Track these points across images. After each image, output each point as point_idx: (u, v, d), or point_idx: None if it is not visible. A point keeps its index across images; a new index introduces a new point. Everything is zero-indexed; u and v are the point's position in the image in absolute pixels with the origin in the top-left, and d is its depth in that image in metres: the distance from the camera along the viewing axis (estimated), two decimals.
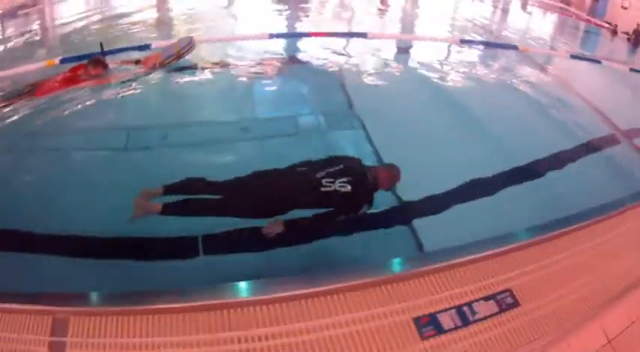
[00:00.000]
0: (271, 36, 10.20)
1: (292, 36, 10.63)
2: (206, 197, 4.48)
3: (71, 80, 6.71)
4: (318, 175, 4.49)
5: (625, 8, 21.00)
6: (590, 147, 7.42)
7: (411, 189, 5.18)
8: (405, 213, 5.13)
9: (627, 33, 19.65)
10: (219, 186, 4.57)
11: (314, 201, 4.47)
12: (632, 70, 13.68)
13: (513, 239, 4.04)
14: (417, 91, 8.68)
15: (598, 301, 3.69)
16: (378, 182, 4.68)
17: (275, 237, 4.38)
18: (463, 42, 12.51)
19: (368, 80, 8.91)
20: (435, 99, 8.38)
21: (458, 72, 10.28)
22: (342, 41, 11.07)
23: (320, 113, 7.08)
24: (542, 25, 19.83)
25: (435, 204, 5.30)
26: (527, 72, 11.23)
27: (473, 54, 12.34)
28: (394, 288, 3.39)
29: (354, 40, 11.12)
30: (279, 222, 4.39)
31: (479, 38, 13.83)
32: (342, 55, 10.06)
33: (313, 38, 11.05)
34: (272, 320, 3.04)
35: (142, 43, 8.70)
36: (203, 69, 8.10)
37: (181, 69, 7.85)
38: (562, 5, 23.02)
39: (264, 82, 8.21)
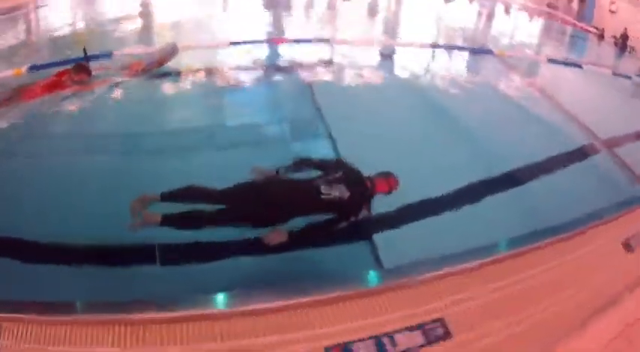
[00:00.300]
0: (231, 43, 9.87)
1: (252, 42, 10.11)
2: (204, 207, 4.42)
3: (55, 85, 6.71)
4: (317, 183, 4.51)
5: (613, 12, 20.64)
6: (563, 159, 7.10)
7: (377, 200, 4.95)
8: (364, 228, 4.91)
9: (615, 37, 19.35)
10: (218, 195, 4.51)
11: (314, 209, 4.49)
12: (615, 74, 13.33)
13: (456, 260, 3.74)
14: (390, 98, 8.46)
15: (545, 335, 3.31)
16: (375, 188, 4.72)
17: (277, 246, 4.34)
18: (434, 47, 12.11)
19: (339, 87, 8.78)
20: (409, 106, 8.12)
21: (433, 78, 10.12)
22: (316, 47, 10.91)
23: (287, 121, 7.00)
24: (528, 30, 19.35)
25: (394, 219, 5.08)
26: (506, 77, 10.98)
27: (449, 59, 12.08)
28: (309, 313, 3.14)
29: (327, 46, 11.11)
30: (281, 231, 4.36)
31: (459, 43, 13.69)
32: (313, 61, 9.92)
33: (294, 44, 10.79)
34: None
35: (108, 51, 8.56)
36: (182, 75, 8.10)
37: (163, 75, 7.84)
38: (549, 10, 22.49)
39: (238, 89, 8.08)
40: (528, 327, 3.34)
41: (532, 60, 13.19)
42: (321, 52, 10.67)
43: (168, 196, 4.50)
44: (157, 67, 7.80)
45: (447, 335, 3.13)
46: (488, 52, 12.54)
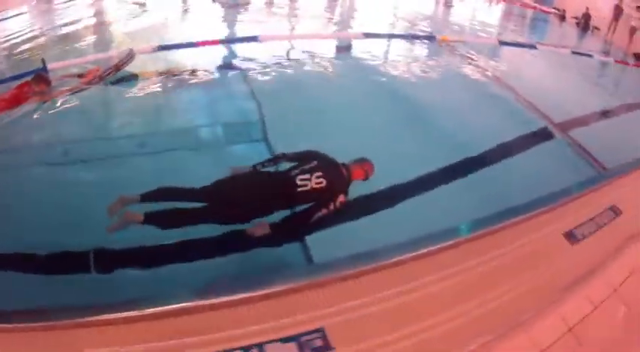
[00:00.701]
0: (160, 48, 9.03)
1: (180, 47, 9.30)
2: (186, 206, 4.35)
3: (17, 97, 6.57)
4: (293, 173, 4.48)
5: None
6: (512, 145, 6.67)
7: None
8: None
9: (576, 17, 18.98)
10: (198, 193, 4.43)
11: (293, 201, 4.46)
12: (574, 52, 12.82)
13: (349, 264, 3.28)
14: (331, 97, 7.66)
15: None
16: (351, 175, 4.69)
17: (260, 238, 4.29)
18: (368, 36, 11.31)
19: (279, 87, 8.04)
20: (352, 105, 7.34)
21: (377, 71, 9.34)
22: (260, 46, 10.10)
23: (223, 124, 6.60)
24: (487, 15, 18.80)
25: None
26: (455, 63, 10.32)
27: (396, 49, 11.35)
28: (174, 322, 2.79)
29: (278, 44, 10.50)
30: (263, 223, 4.30)
31: (414, 31, 13.02)
32: (252, 60, 9.16)
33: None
34: None
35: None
36: (138, 80, 7.79)
37: (120, 81, 7.58)
38: None
39: (189, 92, 7.61)
40: (426, 340, 2.85)
41: (482, 44, 12.46)
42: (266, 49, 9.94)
43: (149, 196, 4.41)
44: (115, 73, 7.55)
45: (326, 347, 2.70)
46: (430, 38, 11.85)
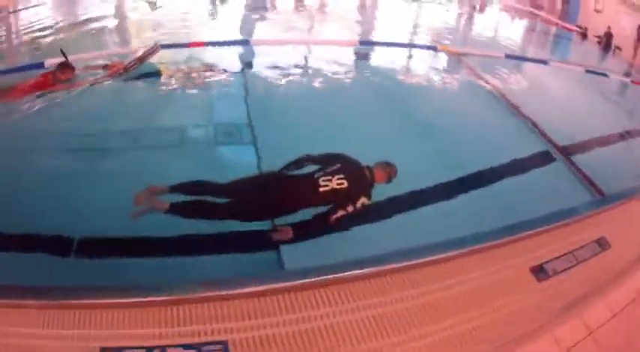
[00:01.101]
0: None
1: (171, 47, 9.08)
2: (211, 200, 4.55)
3: (42, 84, 6.80)
4: (316, 175, 4.59)
5: (598, 11, 19.71)
6: (507, 167, 6.41)
7: None
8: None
9: (598, 36, 18.46)
10: (224, 189, 4.63)
11: (314, 201, 4.56)
12: (588, 71, 12.40)
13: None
14: (324, 102, 7.63)
15: None
16: (374, 178, 4.77)
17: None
18: (363, 44, 11.16)
19: (275, 90, 8.07)
20: (342, 112, 7.19)
21: (373, 79, 9.19)
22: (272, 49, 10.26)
23: (214, 125, 6.60)
24: (504, 29, 18.36)
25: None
26: (462, 77, 9.99)
27: (398, 59, 11.06)
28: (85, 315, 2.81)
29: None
30: (286, 228, 4.45)
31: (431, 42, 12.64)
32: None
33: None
34: None
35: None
36: (161, 75, 7.98)
37: (145, 75, 7.77)
38: (532, 9, 21.58)
39: (191, 91, 7.62)
40: None
41: (488, 56, 12.04)
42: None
43: (178, 188, 4.61)
44: (139, 65, 7.77)
45: None
46: (431, 48, 11.67)
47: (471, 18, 19.43)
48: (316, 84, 8.47)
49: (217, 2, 15.21)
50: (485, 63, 10.97)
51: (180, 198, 4.56)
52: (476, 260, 3.59)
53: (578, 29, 19.34)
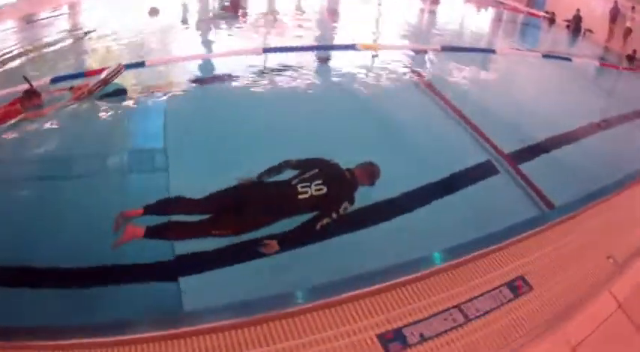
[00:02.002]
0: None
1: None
2: (188, 219, 4.35)
3: (10, 113, 6.49)
4: (293, 182, 4.42)
5: None
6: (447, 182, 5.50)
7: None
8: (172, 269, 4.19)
9: (568, 20, 17.19)
10: (201, 204, 4.44)
11: (294, 210, 4.34)
12: (545, 56, 11.27)
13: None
14: (245, 117, 6.59)
15: None
16: (356, 180, 4.63)
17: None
18: (267, 51, 9.80)
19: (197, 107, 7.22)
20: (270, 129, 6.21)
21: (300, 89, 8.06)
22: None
23: (129, 151, 5.99)
24: (471, 22, 17.12)
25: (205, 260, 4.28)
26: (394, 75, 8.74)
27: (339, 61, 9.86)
28: None
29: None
30: (272, 242, 4.17)
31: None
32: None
33: None
34: None
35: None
36: (126, 93, 7.59)
37: (109, 95, 7.35)
38: None
39: (119, 113, 6.99)
40: None
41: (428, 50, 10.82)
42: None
43: (151, 209, 4.40)
44: (103, 87, 7.40)
45: None
46: (351, 47, 10.28)
47: (432, 12, 18.00)
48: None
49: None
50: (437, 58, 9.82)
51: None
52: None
53: (545, 15, 17.99)
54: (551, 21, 17.81)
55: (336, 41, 12.04)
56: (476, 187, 5.49)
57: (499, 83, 9.41)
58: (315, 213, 4.31)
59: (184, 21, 13.09)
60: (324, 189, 4.38)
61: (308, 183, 4.39)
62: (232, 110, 6.88)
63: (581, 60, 11.80)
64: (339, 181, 4.53)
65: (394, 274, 3.48)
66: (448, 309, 3.21)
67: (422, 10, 18.26)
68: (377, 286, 3.32)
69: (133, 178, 5.53)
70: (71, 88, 7.35)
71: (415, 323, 3.07)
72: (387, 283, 3.33)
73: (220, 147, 5.75)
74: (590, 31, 16.74)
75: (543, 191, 5.43)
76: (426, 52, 10.66)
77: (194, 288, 3.99)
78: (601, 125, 7.69)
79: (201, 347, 2.91)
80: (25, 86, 6.83)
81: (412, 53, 10.65)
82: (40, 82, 7.53)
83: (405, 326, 3.07)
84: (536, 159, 6.21)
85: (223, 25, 12.86)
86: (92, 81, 7.47)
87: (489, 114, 7.07)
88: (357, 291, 3.30)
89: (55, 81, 7.76)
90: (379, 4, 16.98)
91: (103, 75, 7.53)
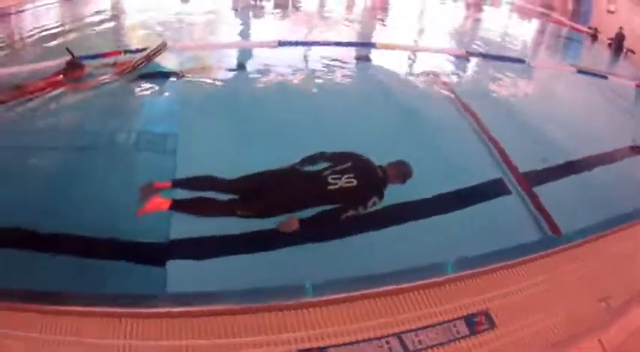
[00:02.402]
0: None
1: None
2: (214, 197, 4.38)
3: (53, 83, 6.70)
4: (325, 173, 4.41)
5: (611, 12, 17.71)
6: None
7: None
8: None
9: (611, 38, 16.49)
10: (229, 185, 4.51)
11: (322, 200, 4.34)
12: (580, 71, 10.84)
13: None
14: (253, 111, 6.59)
15: None
16: (387, 177, 4.60)
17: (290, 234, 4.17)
18: (282, 44, 9.67)
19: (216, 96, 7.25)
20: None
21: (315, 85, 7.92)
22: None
23: (139, 132, 6.00)
24: (514, 31, 16.60)
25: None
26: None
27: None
28: None
29: None
30: (294, 219, 4.21)
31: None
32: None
33: None
34: None
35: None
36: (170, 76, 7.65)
37: (153, 75, 7.53)
38: (542, 10, 19.69)
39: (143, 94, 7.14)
40: None
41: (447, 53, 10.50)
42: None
43: (180, 183, 4.52)
44: (146, 63, 7.67)
45: None
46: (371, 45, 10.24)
47: (476, 20, 17.52)
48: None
49: None
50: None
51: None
52: None
53: (587, 31, 17.30)
54: (594, 37, 17.11)
55: (374, 39, 11.79)
56: (478, 207, 5.21)
57: (524, 95, 9.05)
58: (338, 205, 4.31)
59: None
60: (354, 182, 4.37)
61: (339, 175, 4.39)
62: (249, 104, 6.87)
63: (618, 79, 11.21)
64: (370, 176, 4.53)
65: (333, 289, 3.30)
66: (386, 336, 2.94)
67: (465, 17, 17.77)
68: (307, 300, 3.17)
69: (138, 157, 5.54)
70: (114, 64, 7.54)
71: (344, 345, 2.83)
72: (323, 298, 3.17)
73: (235, 139, 5.69)
74: (632, 51, 16.01)
75: (552, 216, 5.12)
76: (457, 57, 10.34)
77: (182, 274, 3.93)
78: (630, 150, 7.24)
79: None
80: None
81: (440, 57, 10.32)
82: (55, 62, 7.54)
83: (332, 346, 2.83)
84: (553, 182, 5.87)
85: (262, 15, 13.04)
86: (136, 56, 7.71)
87: (509, 128, 6.78)
88: (283, 303, 3.15)
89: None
90: (423, 9, 16.80)
91: (147, 52, 7.80)
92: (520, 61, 10.53)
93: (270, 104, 6.83)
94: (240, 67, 8.79)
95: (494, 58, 10.84)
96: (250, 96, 7.25)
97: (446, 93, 7.93)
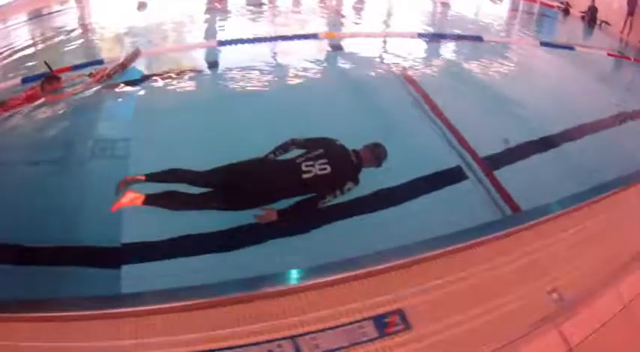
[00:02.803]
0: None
1: None
2: (188, 192, 4.26)
3: (32, 97, 6.67)
4: (298, 161, 4.33)
5: None
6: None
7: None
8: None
9: (583, 11, 16.12)
10: (204, 177, 4.37)
11: (297, 189, 4.27)
12: (542, 43, 10.41)
13: None
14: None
15: None
16: (362, 161, 4.50)
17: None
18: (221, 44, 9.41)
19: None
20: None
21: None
22: None
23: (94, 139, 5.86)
24: (486, 11, 16.18)
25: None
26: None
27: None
28: None
29: None
30: (272, 211, 4.16)
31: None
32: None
33: None
34: None
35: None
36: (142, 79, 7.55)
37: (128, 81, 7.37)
38: None
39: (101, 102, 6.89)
40: None
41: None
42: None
43: (154, 177, 4.37)
44: (121, 71, 7.58)
45: None
46: (314, 36, 9.73)
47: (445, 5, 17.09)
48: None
49: None
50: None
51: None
52: None
53: (559, 5, 16.91)
54: (566, 12, 16.74)
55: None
56: (434, 194, 4.87)
57: (481, 74, 8.41)
58: (315, 194, 4.23)
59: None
60: (328, 169, 4.28)
61: (312, 163, 4.29)
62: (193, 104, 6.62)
63: (586, 49, 10.75)
64: (344, 161, 4.43)
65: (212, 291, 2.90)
66: (278, 340, 2.50)
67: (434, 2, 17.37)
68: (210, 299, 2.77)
69: (94, 165, 5.36)
70: (90, 74, 7.41)
71: (228, 349, 2.41)
72: (223, 296, 2.76)
73: (187, 140, 5.45)
74: (606, 22, 15.66)
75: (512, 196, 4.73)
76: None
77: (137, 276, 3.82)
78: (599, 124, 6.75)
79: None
80: None
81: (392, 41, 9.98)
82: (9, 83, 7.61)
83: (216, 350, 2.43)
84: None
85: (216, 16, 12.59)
86: (110, 65, 7.60)
87: (467, 112, 6.30)
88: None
89: (26, 81, 7.58)
90: None
91: (122, 59, 7.72)
92: (478, 38, 10.01)
93: (228, 104, 6.54)
94: (212, 65, 8.58)
95: (450, 37, 10.36)
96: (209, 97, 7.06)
97: (400, 78, 7.52)
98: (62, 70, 7.62)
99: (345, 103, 6.49)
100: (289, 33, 10.40)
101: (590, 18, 15.74)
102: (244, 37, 9.75)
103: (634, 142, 6.08)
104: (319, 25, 11.75)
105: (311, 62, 8.28)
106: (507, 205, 4.71)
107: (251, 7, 13.57)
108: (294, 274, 3.08)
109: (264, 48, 9.30)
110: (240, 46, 9.29)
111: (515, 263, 3.10)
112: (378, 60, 8.67)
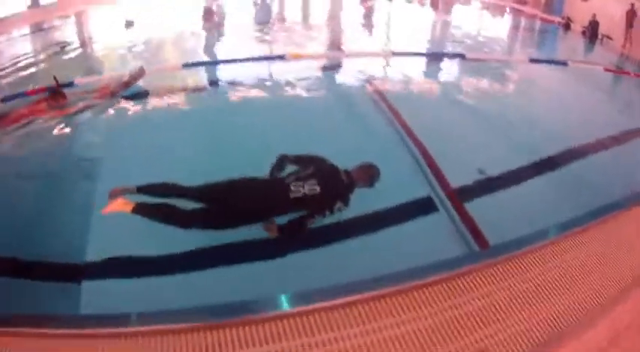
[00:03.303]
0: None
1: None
2: (178, 206, 4.17)
3: (35, 111, 6.78)
4: (287, 181, 4.25)
5: (584, 0, 16.91)
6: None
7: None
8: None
9: (585, 26, 15.76)
10: (193, 193, 4.28)
11: (286, 208, 4.18)
12: (532, 60, 9.97)
13: None
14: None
15: None
16: (353, 181, 4.40)
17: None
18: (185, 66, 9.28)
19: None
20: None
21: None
22: None
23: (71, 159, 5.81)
24: (487, 28, 16.02)
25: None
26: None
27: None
28: None
29: None
30: (274, 225, 4.09)
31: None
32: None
33: None
34: None
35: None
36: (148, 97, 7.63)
37: (133, 97, 7.48)
38: (515, 5, 18.99)
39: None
40: None
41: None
42: None
43: (145, 189, 4.35)
44: (125, 89, 7.63)
45: None
46: (280, 57, 9.61)
47: (445, 22, 16.86)
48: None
49: None
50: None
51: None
52: None
53: (560, 21, 16.54)
54: (567, 27, 16.34)
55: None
56: (402, 226, 4.56)
57: (464, 94, 7.97)
58: (303, 213, 4.12)
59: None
60: (318, 189, 4.19)
61: (301, 183, 4.20)
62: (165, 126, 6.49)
63: (581, 65, 10.28)
64: (334, 181, 4.33)
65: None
66: None
67: (434, 21, 17.27)
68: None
69: (66, 184, 5.24)
70: (94, 91, 7.55)
71: None
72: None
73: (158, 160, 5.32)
74: (608, 37, 15.21)
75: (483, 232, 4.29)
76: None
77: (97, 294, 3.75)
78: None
79: None
80: None
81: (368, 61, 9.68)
82: None
83: None
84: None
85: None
86: (114, 83, 7.66)
87: (442, 137, 5.91)
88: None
89: (5, 100, 7.51)
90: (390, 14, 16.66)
91: (126, 77, 7.73)
92: (460, 56, 9.64)
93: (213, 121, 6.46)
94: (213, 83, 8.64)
95: (425, 55, 10.03)
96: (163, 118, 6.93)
97: (377, 100, 7.20)
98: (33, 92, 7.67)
99: (316, 124, 6.22)
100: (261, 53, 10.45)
101: (592, 33, 15.33)
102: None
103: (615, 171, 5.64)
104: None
105: (280, 84, 8.20)
106: (475, 240, 4.30)
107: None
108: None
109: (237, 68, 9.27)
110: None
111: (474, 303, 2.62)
112: (352, 80, 8.42)
